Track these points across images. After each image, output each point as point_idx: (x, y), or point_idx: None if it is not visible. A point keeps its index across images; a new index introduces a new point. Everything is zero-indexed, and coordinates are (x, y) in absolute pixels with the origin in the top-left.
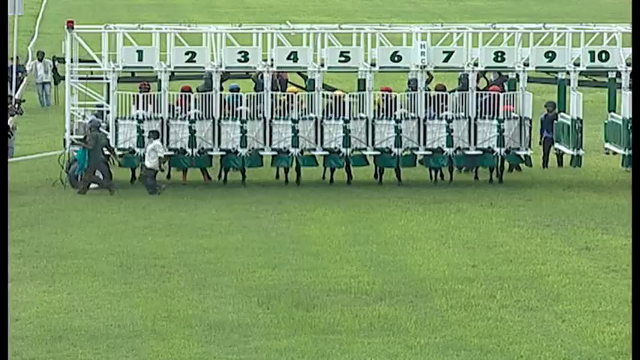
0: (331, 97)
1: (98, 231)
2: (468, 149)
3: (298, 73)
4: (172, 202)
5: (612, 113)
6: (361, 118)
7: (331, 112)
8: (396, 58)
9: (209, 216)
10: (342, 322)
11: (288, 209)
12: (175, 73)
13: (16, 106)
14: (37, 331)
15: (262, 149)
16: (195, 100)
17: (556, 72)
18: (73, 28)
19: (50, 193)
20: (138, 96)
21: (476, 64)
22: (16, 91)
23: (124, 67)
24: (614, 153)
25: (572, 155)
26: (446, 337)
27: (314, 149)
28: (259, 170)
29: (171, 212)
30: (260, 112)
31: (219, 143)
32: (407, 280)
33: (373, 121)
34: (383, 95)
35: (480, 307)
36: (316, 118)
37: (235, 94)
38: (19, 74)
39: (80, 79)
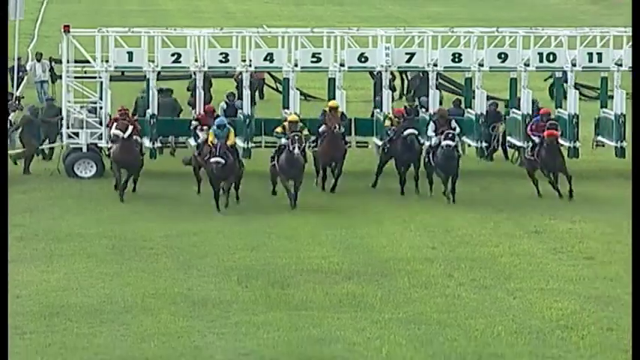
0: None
1: (92, 216)
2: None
3: (269, 74)
4: (160, 190)
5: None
6: None
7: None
8: (362, 59)
9: (193, 204)
10: (314, 299)
11: (264, 198)
12: (162, 73)
13: (17, 102)
14: (36, 307)
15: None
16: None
17: (508, 71)
18: (69, 31)
19: (48, 181)
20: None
21: (435, 65)
22: (17, 89)
23: (115, 67)
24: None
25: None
26: (408, 313)
27: None
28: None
29: (158, 199)
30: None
31: None
32: (373, 260)
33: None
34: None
35: (439, 286)
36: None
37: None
38: (20, 73)
39: (75, 77)
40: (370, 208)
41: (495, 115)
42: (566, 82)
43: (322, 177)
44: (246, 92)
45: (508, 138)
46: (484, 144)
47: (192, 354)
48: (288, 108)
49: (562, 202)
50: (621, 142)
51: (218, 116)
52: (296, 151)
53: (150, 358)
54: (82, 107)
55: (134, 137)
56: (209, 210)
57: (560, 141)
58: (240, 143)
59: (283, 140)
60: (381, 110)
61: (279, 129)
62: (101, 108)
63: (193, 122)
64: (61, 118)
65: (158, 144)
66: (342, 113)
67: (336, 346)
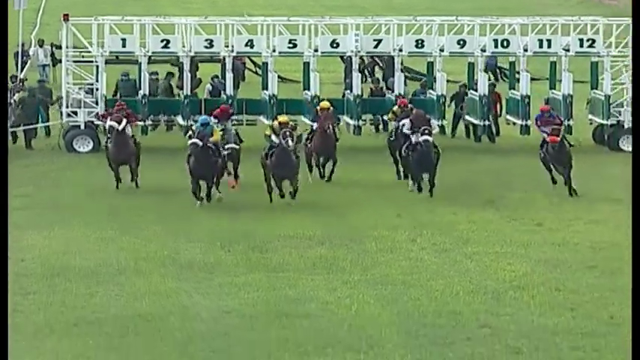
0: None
1: (89, 188)
2: None
3: (249, 59)
4: (150, 165)
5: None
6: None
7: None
8: (334, 45)
9: (179, 176)
10: (290, 262)
11: (244, 171)
12: (152, 57)
13: (21, 84)
14: (39, 270)
15: None
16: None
17: (466, 56)
18: (68, 20)
19: (50, 155)
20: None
21: (400, 50)
22: (21, 72)
23: (110, 52)
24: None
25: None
26: (375, 275)
27: None
28: None
29: (149, 174)
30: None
31: None
32: (343, 227)
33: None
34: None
35: (404, 250)
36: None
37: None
38: (24, 58)
39: (74, 61)
40: (343, 180)
41: (464, 96)
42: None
43: (319, 168)
44: (229, 75)
45: (466, 117)
46: (444, 122)
47: (180, 312)
48: (267, 89)
49: (514, 175)
50: (568, 120)
51: (232, 113)
52: (290, 143)
53: (142, 315)
54: (80, 88)
55: (128, 130)
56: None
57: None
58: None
59: (274, 138)
60: (351, 91)
61: (267, 131)
62: (97, 89)
63: (212, 120)
64: (59, 97)
65: (149, 122)
66: (332, 112)
67: (310, 304)
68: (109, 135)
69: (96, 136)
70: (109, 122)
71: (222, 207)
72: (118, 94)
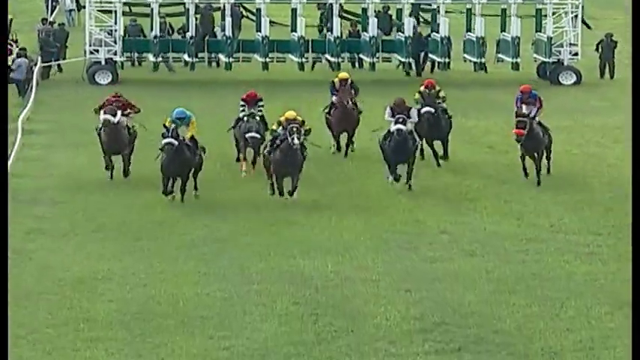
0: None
1: None
2: None
3: (243, 6)
4: (162, 93)
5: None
6: None
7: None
8: None
9: (180, 101)
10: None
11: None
12: (161, 3)
13: (50, 25)
14: (64, 183)
15: None
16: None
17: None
18: None
19: (75, 87)
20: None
21: None
22: (50, 15)
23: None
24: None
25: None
26: (352, 188)
27: None
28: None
29: (156, 98)
30: None
31: None
32: (323, 147)
33: None
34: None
35: (377, 172)
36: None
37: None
38: (54, 3)
39: (96, 7)
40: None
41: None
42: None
43: (337, 142)
44: (228, 19)
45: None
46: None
47: (186, 220)
48: (260, 31)
49: (470, 104)
50: (516, 58)
51: (260, 99)
52: (295, 141)
53: (154, 222)
54: (101, 30)
55: (123, 121)
56: (201, 103)
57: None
58: (223, 58)
59: (280, 131)
60: (332, 33)
61: (274, 125)
62: (115, 30)
63: (240, 104)
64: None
65: (159, 58)
66: (352, 83)
67: (296, 216)
68: (103, 126)
69: (114, 70)
70: (102, 115)
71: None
72: (127, 35)
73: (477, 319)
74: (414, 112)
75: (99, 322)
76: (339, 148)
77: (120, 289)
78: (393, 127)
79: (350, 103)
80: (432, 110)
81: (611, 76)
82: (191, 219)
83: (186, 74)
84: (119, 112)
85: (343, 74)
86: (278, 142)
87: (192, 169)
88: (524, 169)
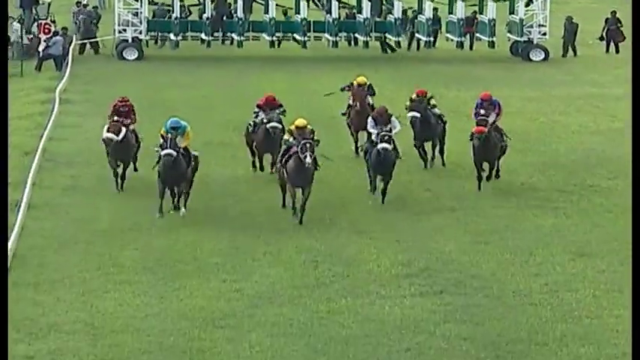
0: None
1: (136, 84)
2: None
3: None
4: (179, 63)
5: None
6: None
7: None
8: None
9: (197, 74)
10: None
11: (247, 74)
12: None
13: (83, 7)
14: (96, 147)
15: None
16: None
17: None
18: None
19: (105, 61)
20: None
21: None
22: None
23: None
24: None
25: (426, 41)
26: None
27: None
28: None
29: (176, 72)
30: None
31: None
32: (323, 116)
33: None
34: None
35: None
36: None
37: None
38: None
39: None
40: (322, 79)
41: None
42: None
43: (355, 140)
44: (240, 3)
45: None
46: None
47: (205, 178)
48: (267, 13)
49: (451, 78)
50: (492, 37)
51: (281, 105)
52: (307, 160)
53: None
54: (128, 12)
55: (129, 135)
56: (209, 80)
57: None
58: (235, 37)
59: (292, 141)
60: (331, 15)
61: (286, 135)
62: (141, 12)
63: (255, 110)
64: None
65: (180, 37)
66: (370, 86)
67: None
68: (106, 144)
69: (140, 47)
70: (105, 134)
71: (229, 100)
72: (152, 16)
73: (456, 265)
74: (395, 122)
75: (126, 268)
76: (357, 148)
77: (145, 239)
78: (379, 146)
79: (363, 105)
80: (417, 114)
81: (574, 54)
82: (205, 176)
83: (203, 51)
84: (123, 129)
85: (361, 79)
86: (290, 152)
87: (186, 181)
88: (479, 177)
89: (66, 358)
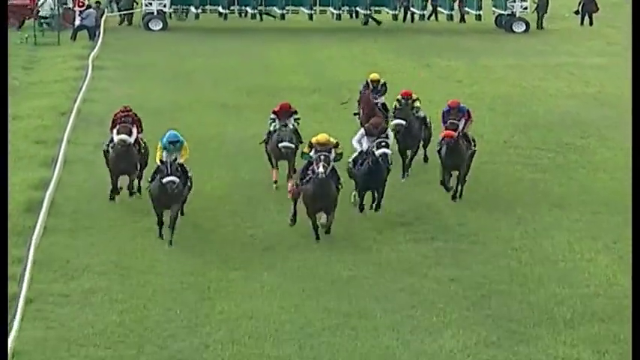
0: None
1: (161, 53)
2: None
3: None
4: (197, 37)
5: None
6: None
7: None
8: None
9: (215, 44)
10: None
11: (260, 43)
12: None
13: None
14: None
15: None
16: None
17: None
18: None
19: (133, 32)
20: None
21: None
22: None
23: None
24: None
25: (420, 14)
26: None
27: None
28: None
29: (196, 42)
30: None
31: None
32: (328, 81)
33: None
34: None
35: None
36: None
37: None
38: None
39: None
40: (327, 50)
41: None
42: None
43: None
44: None
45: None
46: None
47: (219, 136)
48: None
49: (442, 48)
50: (479, 11)
51: (295, 112)
52: (321, 169)
53: (193, 138)
54: None
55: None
56: (223, 49)
57: (444, 11)
58: (249, 10)
59: (312, 156)
60: None
61: (306, 149)
62: None
63: (270, 117)
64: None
65: (200, 10)
66: (384, 84)
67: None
68: (112, 144)
69: (164, 19)
70: (117, 137)
71: (244, 70)
72: None
73: (445, 215)
74: (390, 135)
75: (151, 216)
76: None
77: None
78: (378, 152)
79: (378, 104)
80: (403, 122)
81: (538, 27)
82: (221, 135)
83: (221, 23)
84: (134, 130)
85: (374, 75)
86: (310, 173)
87: (182, 199)
88: (446, 185)
89: (98, 296)
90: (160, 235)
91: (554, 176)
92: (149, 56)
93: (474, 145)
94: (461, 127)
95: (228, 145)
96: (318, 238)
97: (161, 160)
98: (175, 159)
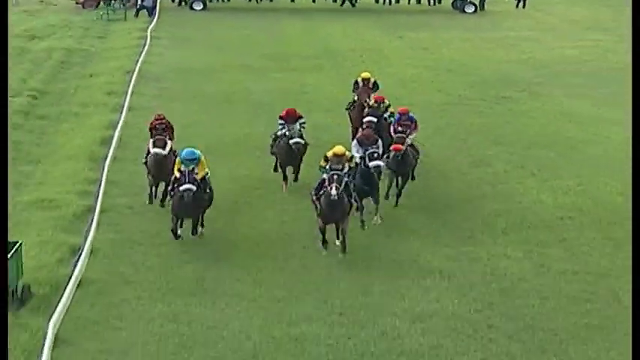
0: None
1: (201, 30)
2: None
3: None
4: (229, 15)
5: None
6: None
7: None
8: None
9: (243, 20)
10: (300, 66)
11: (276, 19)
12: None
13: None
14: (176, 68)
15: None
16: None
17: None
18: None
19: (181, 11)
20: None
21: None
22: None
23: None
24: None
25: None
26: (344, 70)
27: None
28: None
29: (229, 19)
30: None
31: None
32: (329, 51)
33: None
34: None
35: (361, 61)
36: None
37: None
38: None
39: None
40: (331, 25)
41: None
42: None
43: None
44: None
45: None
46: None
47: (244, 91)
48: None
49: (413, 23)
50: None
51: (301, 117)
52: (333, 192)
53: (225, 92)
54: None
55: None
56: (238, 36)
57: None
58: None
59: (326, 169)
60: None
61: (322, 162)
62: None
63: (279, 122)
64: None
65: None
66: (375, 83)
67: (308, 87)
68: (154, 157)
69: (204, 1)
70: (153, 149)
71: (262, 43)
72: None
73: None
74: (380, 144)
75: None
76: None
77: (205, 130)
78: (372, 164)
79: (367, 101)
80: (374, 119)
81: (480, 9)
82: (247, 90)
83: (247, 4)
84: (169, 143)
85: (365, 74)
86: (325, 188)
87: (203, 210)
88: (388, 191)
89: (154, 207)
90: (175, 235)
91: (495, 120)
92: (192, 30)
93: (419, 154)
94: (410, 139)
95: (253, 97)
96: (325, 248)
97: (179, 170)
98: (193, 169)
